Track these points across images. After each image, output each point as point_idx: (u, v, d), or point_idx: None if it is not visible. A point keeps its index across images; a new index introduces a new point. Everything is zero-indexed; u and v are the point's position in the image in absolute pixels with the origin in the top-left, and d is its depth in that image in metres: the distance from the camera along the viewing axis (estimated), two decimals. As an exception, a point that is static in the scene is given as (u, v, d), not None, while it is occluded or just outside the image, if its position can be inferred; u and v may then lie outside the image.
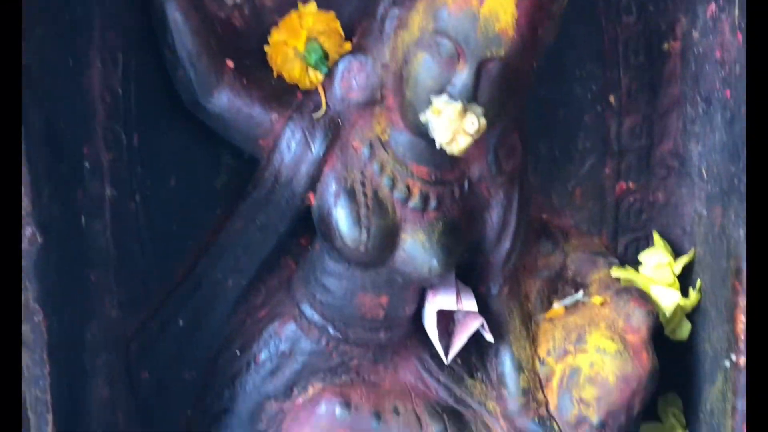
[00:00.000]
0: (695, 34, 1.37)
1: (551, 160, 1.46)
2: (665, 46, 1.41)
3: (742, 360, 1.26)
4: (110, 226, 1.33)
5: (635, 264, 1.46)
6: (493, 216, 1.36)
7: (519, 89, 1.27)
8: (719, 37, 1.30)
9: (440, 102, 1.20)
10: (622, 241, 1.49)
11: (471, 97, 1.19)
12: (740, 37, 1.23)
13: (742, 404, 1.26)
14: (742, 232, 1.25)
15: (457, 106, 1.19)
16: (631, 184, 1.47)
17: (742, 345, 1.25)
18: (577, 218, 1.49)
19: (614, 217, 1.48)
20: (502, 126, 1.30)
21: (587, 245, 1.47)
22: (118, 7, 1.28)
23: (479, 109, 1.20)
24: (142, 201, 1.36)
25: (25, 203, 1.11)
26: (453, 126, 1.20)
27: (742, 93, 1.23)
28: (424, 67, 1.20)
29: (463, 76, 1.19)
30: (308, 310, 1.37)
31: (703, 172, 1.38)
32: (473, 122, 1.20)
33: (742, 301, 1.24)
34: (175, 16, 1.24)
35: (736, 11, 1.24)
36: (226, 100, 1.28)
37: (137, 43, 1.30)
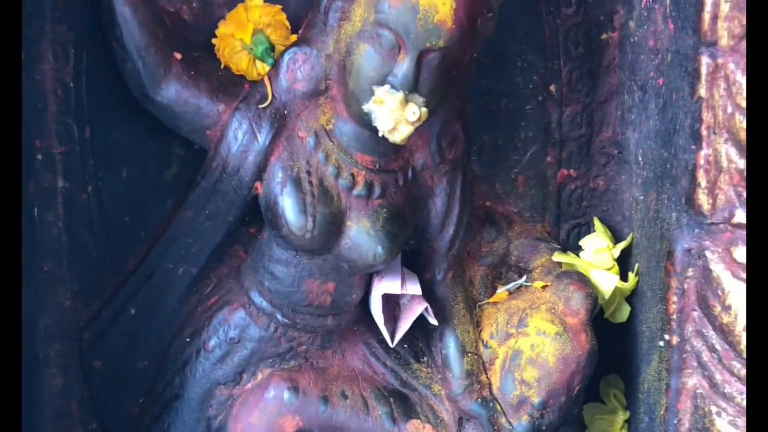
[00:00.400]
0: (631, 24, 1.41)
1: (494, 149, 1.49)
2: (604, 36, 1.45)
3: (675, 339, 1.29)
4: (63, 217, 1.36)
5: (577, 249, 1.50)
6: (437, 203, 1.39)
7: (460, 79, 1.30)
8: (652, 26, 1.33)
9: (382, 92, 1.23)
10: (564, 227, 1.52)
11: (412, 87, 1.22)
12: (671, 26, 1.27)
13: (675, 382, 1.29)
14: (674, 215, 1.28)
15: (399, 95, 1.22)
16: (572, 172, 1.50)
17: (675, 324, 1.29)
18: (520, 205, 1.52)
19: (556, 204, 1.51)
20: (444, 116, 1.34)
21: (530, 232, 1.50)
22: (69, 2, 1.30)
23: (420, 99, 1.23)
24: (94, 192, 1.38)
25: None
26: (395, 115, 1.23)
27: (674, 80, 1.27)
28: (366, 58, 1.23)
29: (403, 66, 1.22)
30: (257, 297, 1.39)
31: (639, 158, 1.41)
32: (414, 112, 1.23)
33: (674, 282, 1.27)
34: (123, 10, 1.27)
35: (668, 0, 1.27)
36: (174, 91, 1.30)
37: (88, 37, 1.32)
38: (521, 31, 1.44)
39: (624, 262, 1.47)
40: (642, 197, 1.41)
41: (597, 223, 1.50)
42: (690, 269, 1.26)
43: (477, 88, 1.43)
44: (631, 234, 1.46)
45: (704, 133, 1.20)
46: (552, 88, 1.46)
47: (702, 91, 1.19)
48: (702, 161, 1.21)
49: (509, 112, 1.47)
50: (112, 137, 1.38)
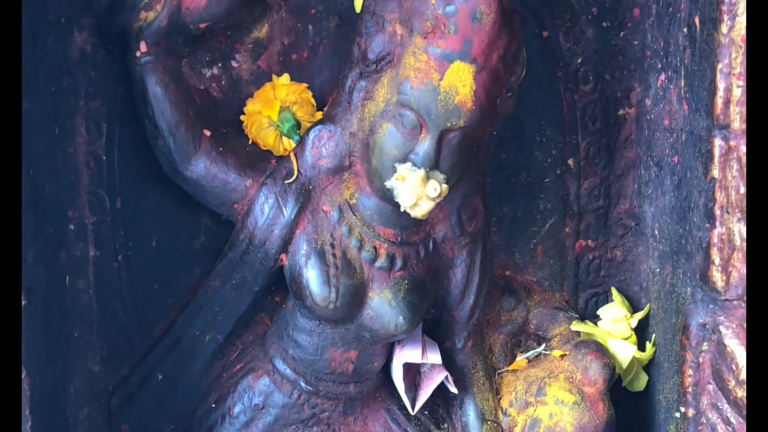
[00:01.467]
0: (648, 102, 1.44)
1: (514, 220, 1.52)
2: (621, 112, 1.48)
3: (690, 412, 1.31)
4: (93, 284, 1.40)
5: (594, 318, 1.53)
6: (457, 274, 1.43)
7: (480, 155, 1.35)
8: (668, 105, 1.37)
9: (404, 169, 1.27)
10: (582, 296, 1.55)
11: (433, 165, 1.27)
12: (686, 107, 1.30)
13: (691, 454, 1.32)
14: (689, 290, 1.31)
15: (420, 173, 1.26)
16: (590, 243, 1.53)
17: (690, 397, 1.31)
18: (539, 275, 1.55)
19: (574, 274, 1.54)
20: (464, 190, 1.37)
21: (549, 301, 1.53)
22: (103, 78, 1.35)
23: (441, 176, 1.27)
24: (124, 261, 1.42)
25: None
26: (416, 191, 1.27)
27: (689, 159, 1.30)
28: (389, 136, 1.28)
29: (425, 145, 1.26)
30: (281, 365, 1.43)
31: (656, 232, 1.44)
32: (435, 188, 1.27)
33: (690, 356, 1.30)
34: (155, 90, 1.31)
35: (682, 82, 1.31)
36: (203, 167, 1.35)
37: (120, 111, 1.37)
38: (540, 107, 1.48)
39: (641, 332, 1.49)
40: (658, 270, 1.44)
41: (615, 292, 1.52)
42: (705, 344, 1.28)
43: (497, 162, 1.47)
44: (648, 304, 1.48)
45: (717, 212, 1.23)
46: (570, 161, 1.50)
47: (715, 172, 1.22)
48: (716, 239, 1.23)
49: (528, 185, 1.51)
50: (142, 208, 1.42)
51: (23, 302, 1.16)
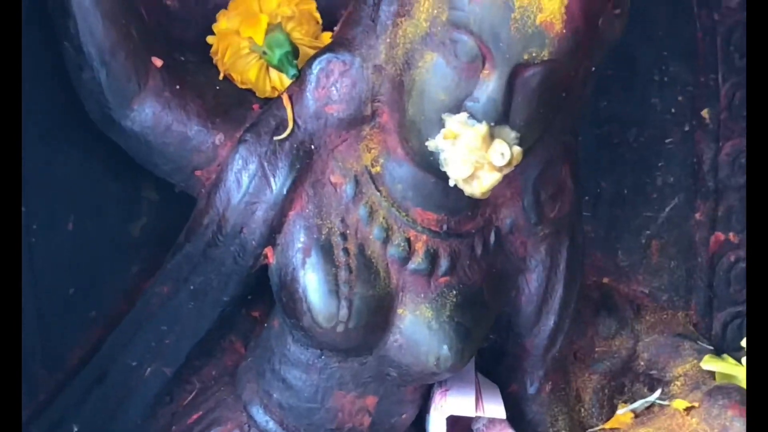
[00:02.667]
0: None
1: (617, 202, 1.56)
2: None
3: None
4: (-24, 287, 1.41)
5: (737, 352, 1.55)
6: (531, 282, 1.47)
7: (569, 104, 1.36)
8: None
9: (457, 123, 1.28)
10: (719, 318, 1.58)
11: (500, 117, 1.27)
12: None
13: None
14: None
15: (481, 129, 1.27)
16: (731, 237, 1.57)
17: None
18: (653, 284, 1.58)
19: (707, 284, 1.58)
20: (545, 156, 1.40)
21: (668, 324, 1.57)
22: None
23: (512, 134, 1.28)
24: (24, 252, 1.40)
25: None
26: (474, 157, 1.28)
27: None
28: (435, 73, 1.29)
29: (489, 86, 1.26)
30: (261, 416, 1.46)
31: None
32: (503, 152, 1.28)
33: None
34: None
35: None
36: (150, 113, 1.38)
37: (24, 28, 1.31)
38: (661, 31, 1.51)
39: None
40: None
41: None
42: None
43: (593, 114, 1.50)
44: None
45: None
46: (705, 113, 1.53)
47: None
48: None
49: (640, 149, 1.54)
50: (53, 173, 1.44)
51: None
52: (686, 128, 1.55)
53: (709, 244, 1.57)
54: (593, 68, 1.37)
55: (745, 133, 1.53)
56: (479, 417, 1.46)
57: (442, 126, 1.29)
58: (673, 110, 1.54)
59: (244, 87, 1.44)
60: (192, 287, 1.44)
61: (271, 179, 1.39)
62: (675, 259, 1.58)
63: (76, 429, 1.48)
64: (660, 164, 1.55)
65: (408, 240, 1.40)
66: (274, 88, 1.44)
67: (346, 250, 1.39)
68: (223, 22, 1.43)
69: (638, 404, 1.53)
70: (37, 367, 1.48)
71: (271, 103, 1.42)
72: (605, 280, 1.59)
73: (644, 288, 1.59)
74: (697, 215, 1.57)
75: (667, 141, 1.55)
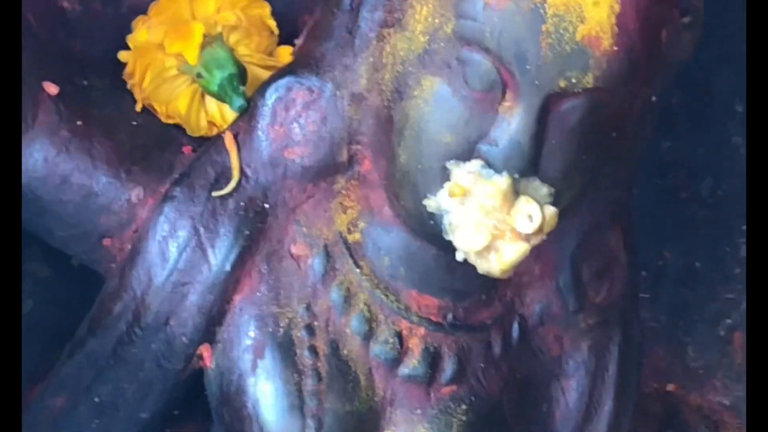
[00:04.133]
0: None
1: (687, 281, 1.43)
2: None
3: None
4: None
5: None
6: (570, 392, 1.32)
7: (622, 149, 1.21)
8: None
9: (467, 175, 1.12)
10: None
11: (527, 167, 1.13)
12: None
13: None
14: None
15: (501, 182, 1.11)
16: None
17: None
18: (736, 393, 1.45)
19: None
20: (588, 218, 1.25)
21: None
22: None
23: (543, 189, 1.13)
24: None
25: None
26: (492, 221, 1.12)
27: None
28: (437, 106, 1.15)
29: (512, 125, 1.12)
30: None
31: None
32: (532, 214, 1.11)
33: None
34: None
35: None
36: (41, 160, 1.26)
37: None
38: (744, 46, 1.33)
39: None
40: None
41: None
42: None
43: (655, 160, 1.36)
44: None
45: None
46: None
47: None
48: None
49: (717, 205, 1.41)
50: None
51: None
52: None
53: (814, 337, 1.50)
54: (654, 98, 1.23)
55: None
56: None
57: (447, 178, 1.14)
58: (760, 155, 1.46)
59: (170, 122, 1.31)
60: (96, 399, 1.29)
61: (209, 251, 1.25)
62: (767, 358, 1.51)
63: None
64: (744, 227, 1.38)
65: (399, 335, 1.25)
66: (212, 123, 1.31)
67: (312, 349, 1.24)
68: (142, 33, 1.31)
69: None
70: None
71: (208, 144, 1.29)
72: (671, 387, 1.42)
73: (724, 399, 1.42)
74: (796, 297, 1.49)
75: (750, 189, 1.48)
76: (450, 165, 1.13)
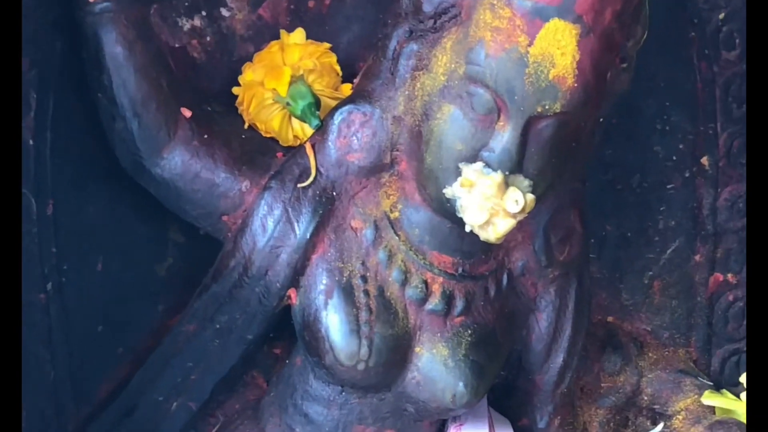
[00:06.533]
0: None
1: (621, 244, 1.56)
2: (779, 90, 1.50)
3: None
4: (9, 324, 1.40)
5: (735, 387, 1.55)
6: (541, 321, 1.48)
7: (579, 152, 1.36)
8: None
9: (473, 172, 1.28)
10: (718, 354, 1.58)
11: (514, 166, 1.28)
12: None
13: None
14: None
15: (496, 177, 1.27)
16: (730, 278, 1.57)
17: None
18: (655, 322, 1.58)
19: (707, 322, 1.58)
20: (555, 202, 1.41)
21: (669, 360, 1.57)
22: (34, 30, 1.33)
23: (525, 182, 1.29)
24: (55, 291, 1.43)
25: None
26: (489, 204, 1.28)
27: None
28: (452, 124, 1.30)
29: (504, 137, 1.27)
30: None
31: None
32: (517, 200, 1.28)
33: None
34: (114, 50, 1.34)
35: None
36: (179, 162, 1.39)
37: (58, 78, 1.38)
38: (662, 82, 1.51)
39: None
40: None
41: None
42: None
43: (599, 161, 1.50)
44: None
45: None
46: (704, 160, 1.54)
47: None
48: None
49: (643, 193, 1.54)
50: (84, 216, 1.44)
51: None
52: (687, 174, 1.56)
53: (708, 284, 1.58)
54: (600, 119, 1.38)
55: (743, 179, 1.55)
56: (492, 450, 1.44)
57: (459, 174, 1.30)
58: (674, 157, 1.55)
59: (268, 136, 1.45)
60: (217, 326, 1.44)
61: (295, 224, 1.40)
62: (676, 298, 1.58)
63: (105, 460, 1.46)
64: (662, 208, 1.56)
65: (425, 282, 1.41)
66: (296, 137, 1.45)
67: (366, 292, 1.40)
68: (249, 74, 1.44)
69: (642, 437, 1.51)
70: (67, 401, 1.47)
71: (294, 151, 1.43)
72: (610, 318, 1.59)
73: (647, 326, 1.59)
74: (697, 257, 1.58)
75: (668, 186, 1.56)
76: (461, 165, 1.29)
